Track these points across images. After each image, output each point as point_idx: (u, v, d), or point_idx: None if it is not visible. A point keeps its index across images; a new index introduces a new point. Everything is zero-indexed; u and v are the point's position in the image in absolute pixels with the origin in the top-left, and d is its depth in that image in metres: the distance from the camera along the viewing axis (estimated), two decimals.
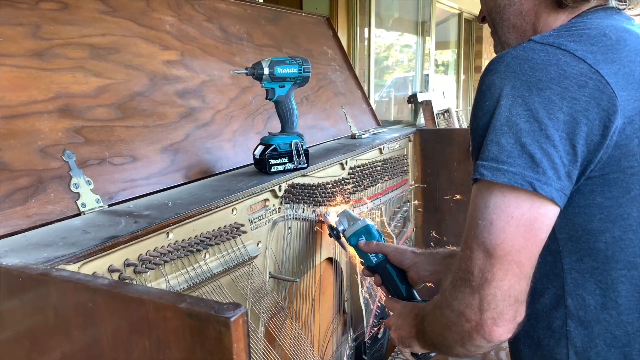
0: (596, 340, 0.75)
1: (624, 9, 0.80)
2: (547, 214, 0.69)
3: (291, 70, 1.26)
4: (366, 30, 3.27)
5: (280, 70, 1.24)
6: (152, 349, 0.56)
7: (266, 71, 1.22)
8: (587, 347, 0.76)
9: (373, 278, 1.20)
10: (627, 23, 0.79)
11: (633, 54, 0.72)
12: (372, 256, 1.17)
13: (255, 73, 1.23)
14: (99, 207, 0.96)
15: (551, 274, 0.77)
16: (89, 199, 0.95)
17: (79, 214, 0.93)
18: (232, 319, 0.50)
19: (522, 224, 0.68)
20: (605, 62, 0.69)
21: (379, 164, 1.80)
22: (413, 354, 0.99)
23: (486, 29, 6.71)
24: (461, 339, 0.74)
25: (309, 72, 1.30)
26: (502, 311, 0.69)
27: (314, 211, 1.40)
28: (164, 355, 0.55)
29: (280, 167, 1.27)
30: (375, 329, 1.74)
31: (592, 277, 0.74)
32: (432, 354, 0.99)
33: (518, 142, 0.68)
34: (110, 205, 0.99)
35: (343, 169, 1.57)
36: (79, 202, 0.94)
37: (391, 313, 1.08)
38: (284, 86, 1.27)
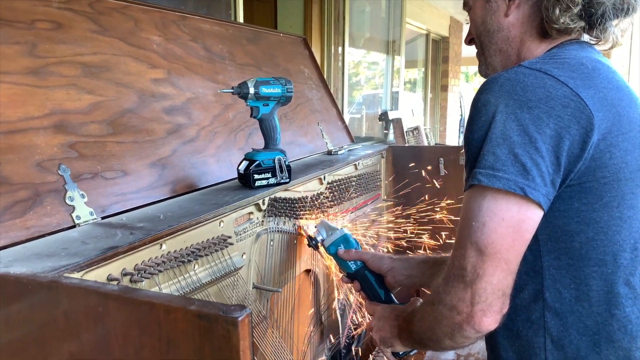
0: (570, 329, 0.85)
1: (595, 44, 0.94)
2: (533, 217, 0.79)
3: (275, 90, 1.33)
4: (340, 49, 3.38)
5: (265, 90, 1.31)
6: (161, 348, 0.61)
7: (251, 90, 1.29)
8: (562, 335, 0.85)
9: (352, 284, 1.26)
10: (598, 55, 0.91)
11: (605, 82, 0.84)
12: (352, 264, 1.24)
13: (241, 92, 1.29)
14: (92, 219, 1.00)
15: (531, 271, 0.86)
16: (83, 212, 0.99)
17: (74, 226, 0.97)
18: (239, 319, 0.56)
19: (511, 225, 0.77)
20: (584, 87, 0.80)
21: (354, 179, 1.88)
22: (394, 354, 1.06)
23: (452, 49, 6.96)
24: (451, 332, 0.82)
25: (291, 92, 1.37)
26: (491, 303, 0.78)
27: (294, 224, 1.46)
28: (174, 354, 0.60)
29: (264, 182, 1.33)
30: (353, 333, 1.80)
31: (567, 273, 0.84)
32: (412, 352, 1.06)
33: (511, 153, 0.77)
34: (103, 218, 1.03)
35: (321, 183, 1.64)
36: (73, 215, 0.97)
37: (368, 318, 1.15)
38: (268, 105, 1.33)
